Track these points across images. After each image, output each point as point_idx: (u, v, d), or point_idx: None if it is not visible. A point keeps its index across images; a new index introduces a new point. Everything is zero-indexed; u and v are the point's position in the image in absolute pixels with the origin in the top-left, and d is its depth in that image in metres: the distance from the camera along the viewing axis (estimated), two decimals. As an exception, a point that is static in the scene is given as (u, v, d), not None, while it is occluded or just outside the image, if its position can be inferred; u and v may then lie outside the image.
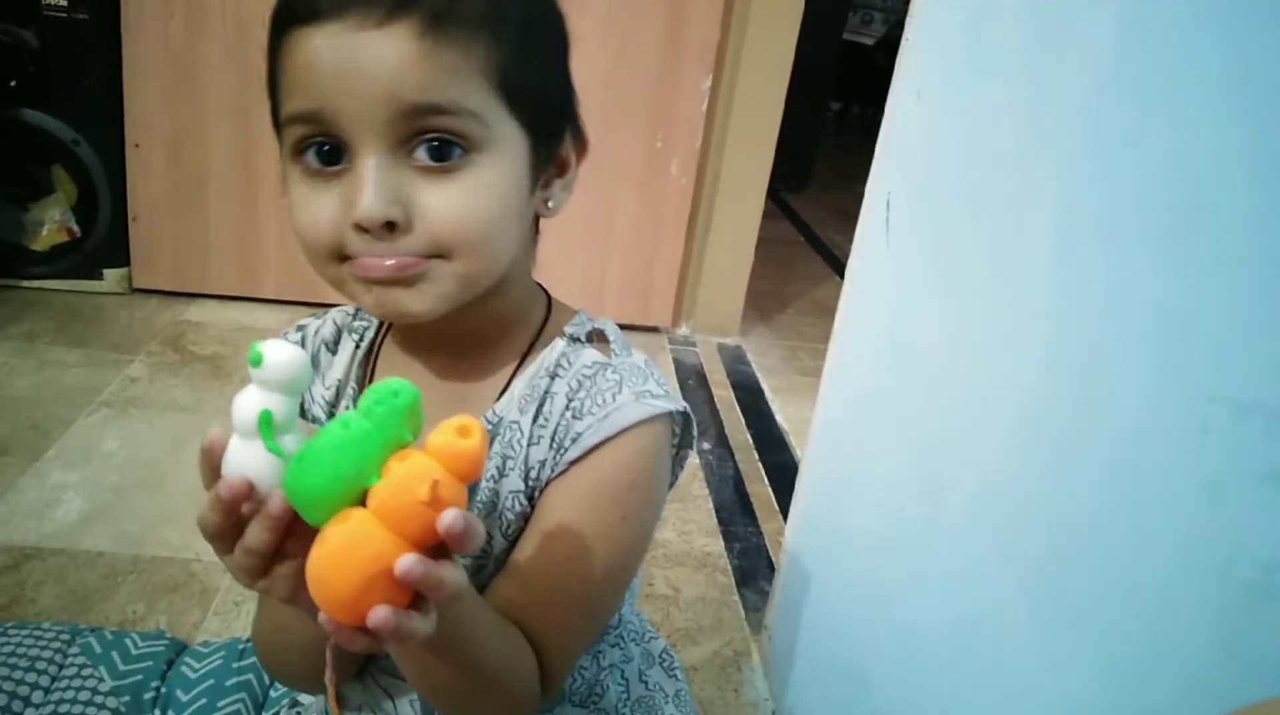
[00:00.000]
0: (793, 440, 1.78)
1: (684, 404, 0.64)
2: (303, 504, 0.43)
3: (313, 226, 0.56)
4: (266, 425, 0.43)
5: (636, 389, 0.62)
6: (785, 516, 1.26)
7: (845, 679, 0.92)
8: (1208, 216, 0.50)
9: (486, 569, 0.64)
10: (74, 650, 0.99)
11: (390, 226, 0.53)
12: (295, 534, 0.45)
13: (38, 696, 0.93)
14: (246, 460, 0.44)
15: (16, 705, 0.91)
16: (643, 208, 2.06)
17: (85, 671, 0.96)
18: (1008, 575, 0.65)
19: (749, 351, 2.17)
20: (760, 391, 1.98)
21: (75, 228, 1.90)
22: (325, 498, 0.42)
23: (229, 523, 0.46)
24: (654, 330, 2.16)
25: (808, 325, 2.35)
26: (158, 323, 1.86)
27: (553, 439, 0.62)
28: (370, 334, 0.69)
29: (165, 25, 1.80)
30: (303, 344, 0.69)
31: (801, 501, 1.11)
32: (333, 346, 0.70)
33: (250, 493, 0.44)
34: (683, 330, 2.20)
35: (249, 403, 0.44)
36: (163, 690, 0.97)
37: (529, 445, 0.62)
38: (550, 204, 0.63)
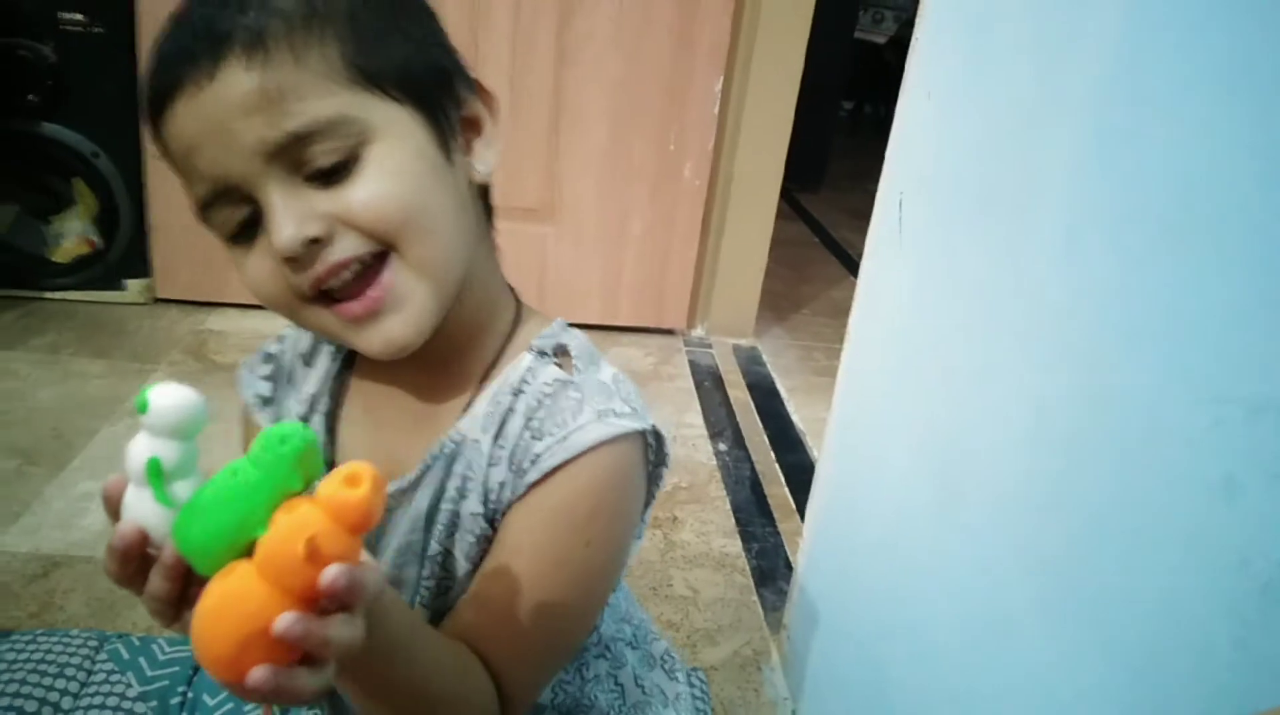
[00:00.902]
0: (809, 440, 1.78)
1: (651, 422, 0.61)
2: (191, 554, 0.41)
3: (262, 286, 0.56)
4: (155, 474, 0.42)
5: (599, 407, 0.59)
6: (802, 516, 1.26)
7: (864, 678, 0.92)
8: (1218, 213, 0.50)
9: (452, 591, 0.63)
10: (102, 656, 1.00)
11: (315, 242, 0.53)
12: (198, 581, 0.43)
13: (67, 703, 0.94)
14: (140, 508, 0.43)
15: (46, 711, 0.92)
16: (656, 210, 2.07)
17: (113, 678, 0.97)
18: (1023, 574, 0.65)
19: (764, 352, 2.17)
20: (776, 392, 1.99)
21: (96, 239, 1.93)
22: (210, 549, 0.41)
23: (128, 571, 0.45)
24: (669, 332, 2.17)
25: (822, 325, 2.35)
26: (179, 332, 1.88)
27: (511, 460, 0.60)
28: (345, 349, 0.67)
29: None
30: (282, 357, 0.69)
31: (818, 501, 1.11)
32: (309, 359, 0.69)
33: (144, 542, 0.43)
34: (698, 332, 2.21)
35: (138, 450, 0.43)
36: (190, 695, 0.98)
37: (489, 466, 0.60)
38: (480, 167, 0.60)
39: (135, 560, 0.44)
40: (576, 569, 0.60)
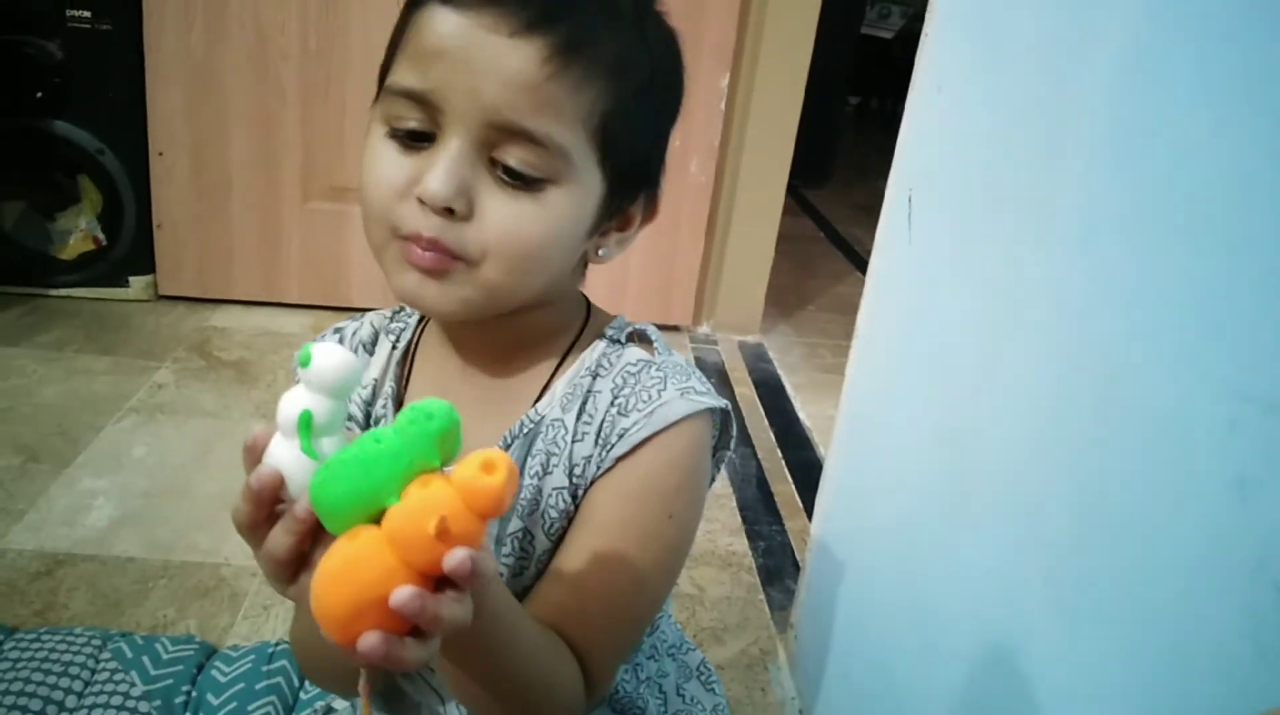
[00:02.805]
0: (816, 437, 1.78)
1: (726, 402, 0.64)
2: (324, 512, 0.42)
3: (379, 185, 0.57)
4: (305, 426, 0.44)
5: (681, 385, 0.62)
6: (809, 515, 1.25)
7: (871, 677, 0.92)
8: (1232, 209, 0.49)
9: (528, 571, 0.64)
10: (106, 655, 1.00)
11: (449, 212, 0.54)
12: (321, 542, 0.45)
13: (71, 701, 0.94)
14: (282, 458, 0.45)
15: (51, 710, 0.92)
16: (662, 206, 2.06)
17: (117, 676, 0.97)
18: (1034, 574, 0.64)
19: (770, 349, 2.17)
20: (782, 389, 1.98)
21: (101, 236, 1.93)
22: (343, 509, 0.41)
23: (259, 515, 0.46)
24: (675, 329, 2.16)
25: (829, 322, 2.34)
26: (183, 329, 1.88)
27: (598, 435, 0.62)
28: (407, 335, 0.69)
29: (186, 35, 1.82)
30: (345, 344, 0.70)
31: (825, 499, 1.10)
32: (370, 347, 0.70)
33: (280, 487, 0.44)
34: (704, 328, 2.20)
35: (293, 401, 0.44)
36: (193, 694, 0.98)
37: (573, 441, 0.62)
38: (600, 252, 0.64)
39: (268, 505, 0.45)
40: (661, 543, 0.62)
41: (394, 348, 0.69)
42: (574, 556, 0.60)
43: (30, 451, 1.42)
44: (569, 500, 0.62)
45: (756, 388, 1.96)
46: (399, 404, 0.67)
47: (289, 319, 1.97)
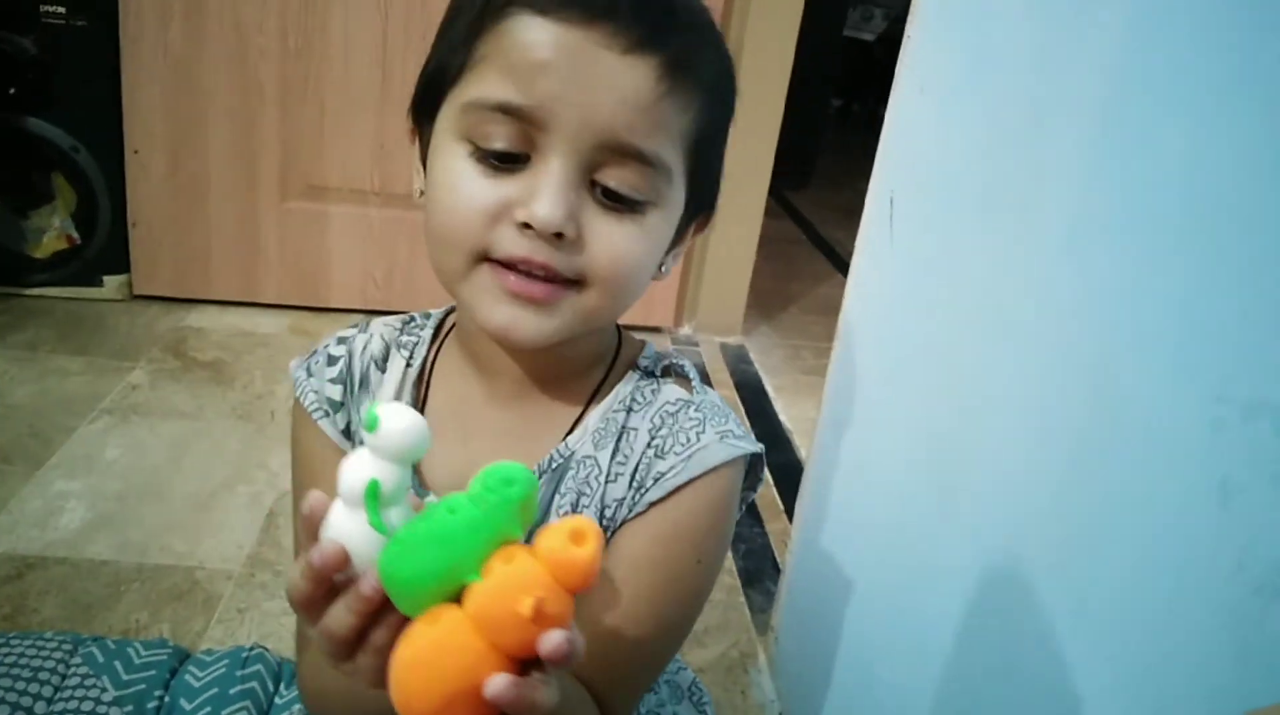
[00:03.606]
0: (796, 440, 1.78)
1: (761, 447, 0.62)
2: (396, 591, 0.39)
3: (466, 212, 0.53)
4: (373, 497, 0.40)
5: (719, 429, 0.60)
6: (790, 516, 1.25)
7: (853, 680, 0.91)
8: (1217, 213, 0.49)
9: None
10: (76, 660, 0.98)
11: (558, 237, 0.52)
12: (385, 622, 0.42)
13: (40, 707, 0.92)
14: (347, 530, 0.41)
15: (20, 716, 0.91)
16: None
17: (88, 681, 0.96)
18: (1017, 576, 0.64)
19: (752, 351, 2.16)
20: (764, 391, 1.98)
21: (75, 235, 1.90)
22: (419, 589, 0.38)
23: (319, 592, 0.42)
24: (656, 330, 2.16)
25: (811, 323, 2.34)
26: (158, 329, 1.86)
27: (633, 477, 0.60)
28: (422, 351, 0.66)
29: (164, 32, 1.79)
30: (349, 360, 0.66)
31: (806, 501, 1.10)
32: (381, 363, 0.66)
33: (345, 564, 0.41)
34: (685, 330, 2.20)
35: (359, 469, 0.41)
36: (166, 699, 0.96)
37: (607, 481, 0.60)
38: (663, 269, 0.61)
39: (329, 582, 0.42)
40: (687, 586, 0.61)
41: (408, 365, 0.66)
42: (601, 599, 0.58)
43: (1, 453, 1.40)
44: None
45: (738, 389, 1.96)
46: None
47: (266, 319, 1.95)
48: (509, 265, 0.53)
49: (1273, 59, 0.47)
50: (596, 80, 0.51)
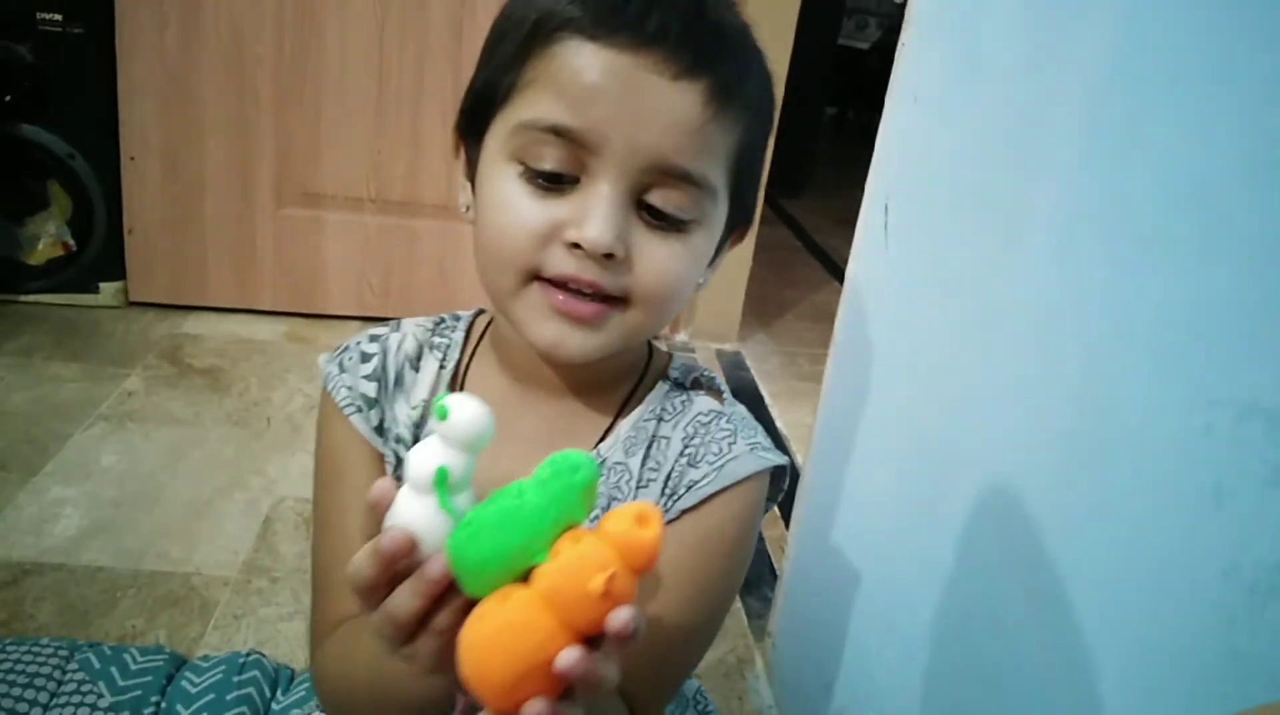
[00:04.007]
0: (793, 446, 1.78)
1: (788, 458, 0.64)
2: (464, 573, 0.40)
3: (517, 232, 0.54)
4: (442, 483, 0.42)
5: (750, 441, 0.62)
6: (787, 523, 1.25)
7: (849, 685, 0.91)
8: (1206, 218, 0.50)
9: None
10: (73, 666, 0.98)
11: (607, 257, 0.53)
12: (445, 604, 0.42)
13: (36, 713, 0.92)
14: (415, 515, 0.42)
15: (16, 723, 0.90)
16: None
17: (85, 687, 0.95)
18: (1012, 581, 0.65)
19: (748, 357, 2.17)
20: (760, 397, 1.98)
21: (71, 242, 1.90)
22: (489, 570, 0.40)
23: (384, 578, 0.43)
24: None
25: (806, 330, 2.35)
26: (154, 336, 1.86)
27: (665, 484, 0.61)
28: (455, 353, 0.67)
29: (160, 39, 1.80)
30: (384, 358, 0.66)
31: (803, 507, 1.10)
32: (415, 363, 0.67)
33: (413, 549, 0.42)
34: (681, 336, 2.20)
35: (428, 456, 0.42)
36: (163, 705, 0.96)
37: (638, 487, 0.62)
38: (700, 281, 0.62)
39: (394, 567, 0.43)
40: (715, 595, 0.62)
41: (441, 367, 0.66)
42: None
43: (-3, 459, 1.40)
44: None
45: (734, 396, 1.96)
46: None
47: (262, 326, 1.95)
48: (558, 283, 0.55)
49: (1258, 67, 0.47)
50: (646, 106, 0.52)
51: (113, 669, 0.98)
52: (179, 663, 1.03)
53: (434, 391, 0.65)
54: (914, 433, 0.84)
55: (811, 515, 1.07)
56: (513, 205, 0.54)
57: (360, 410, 0.65)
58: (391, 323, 0.69)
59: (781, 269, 2.78)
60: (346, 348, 0.68)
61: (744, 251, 2.14)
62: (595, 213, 0.53)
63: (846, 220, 1.02)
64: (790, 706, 1.08)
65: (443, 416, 0.42)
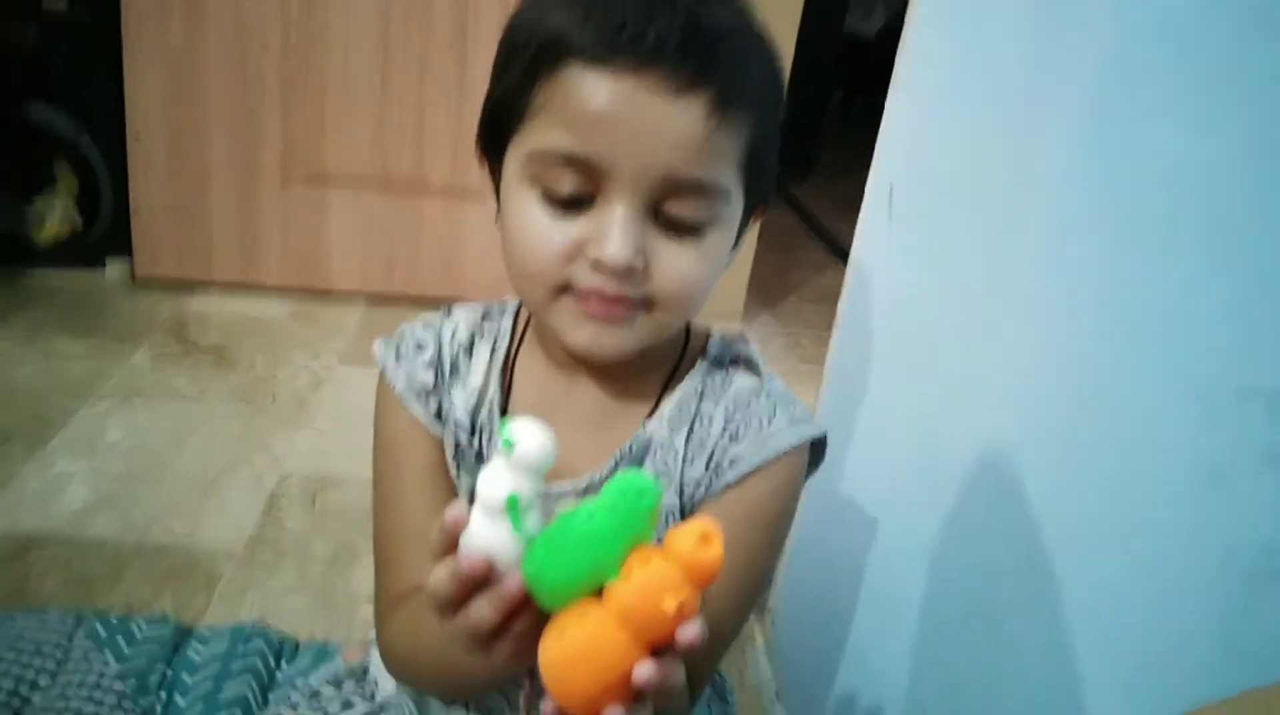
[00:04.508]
0: (795, 429, 1.78)
1: (826, 429, 0.66)
2: (542, 590, 0.44)
3: (543, 253, 0.57)
4: (514, 509, 0.45)
5: (790, 414, 0.64)
6: (787, 504, 1.26)
7: (850, 663, 0.92)
8: (1208, 205, 0.50)
9: None
10: (79, 636, 0.99)
11: (628, 272, 0.56)
12: (523, 614, 0.46)
13: (44, 681, 0.93)
14: (489, 538, 0.45)
15: (24, 689, 0.92)
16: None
17: (91, 656, 0.97)
18: (1012, 561, 0.65)
19: (752, 338, 2.16)
20: (762, 380, 1.98)
21: (78, 220, 1.91)
22: (564, 587, 0.43)
23: (464, 595, 0.46)
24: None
25: (811, 312, 2.34)
26: (160, 313, 1.87)
27: (709, 460, 0.64)
28: (504, 341, 0.69)
29: (165, 20, 1.79)
30: (439, 346, 0.69)
31: (806, 487, 1.10)
32: (469, 350, 0.69)
33: (490, 572, 0.45)
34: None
35: (498, 483, 0.45)
36: (169, 674, 0.97)
37: (685, 464, 0.64)
38: (726, 263, 0.64)
39: (472, 586, 0.46)
40: (759, 566, 0.64)
41: (492, 353, 0.69)
42: None
43: (4, 433, 1.41)
44: (678, 521, 0.63)
45: (736, 379, 1.96)
46: (503, 412, 0.68)
47: (268, 304, 1.96)
48: (593, 294, 0.57)
49: (1258, 57, 0.47)
50: (652, 126, 0.54)
51: (119, 639, 0.99)
52: (184, 633, 1.04)
53: (486, 378, 0.68)
54: (916, 414, 0.84)
55: (814, 495, 1.07)
56: (536, 228, 0.57)
57: (420, 397, 0.67)
58: (442, 309, 0.71)
59: (786, 252, 2.78)
60: (402, 335, 0.70)
61: (749, 234, 2.13)
62: (611, 232, 0.55)
63: (851, 204, 1.02)
64: (790, 681, 1.09)
65: (509, 447, 0.45)
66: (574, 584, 0.43)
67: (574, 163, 0.55)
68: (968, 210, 0.77)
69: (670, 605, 0.41)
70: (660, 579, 0.42)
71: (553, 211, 0.57)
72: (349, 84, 1.88)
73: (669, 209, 0.56)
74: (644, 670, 0.42)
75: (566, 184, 0.56)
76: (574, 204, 0.56)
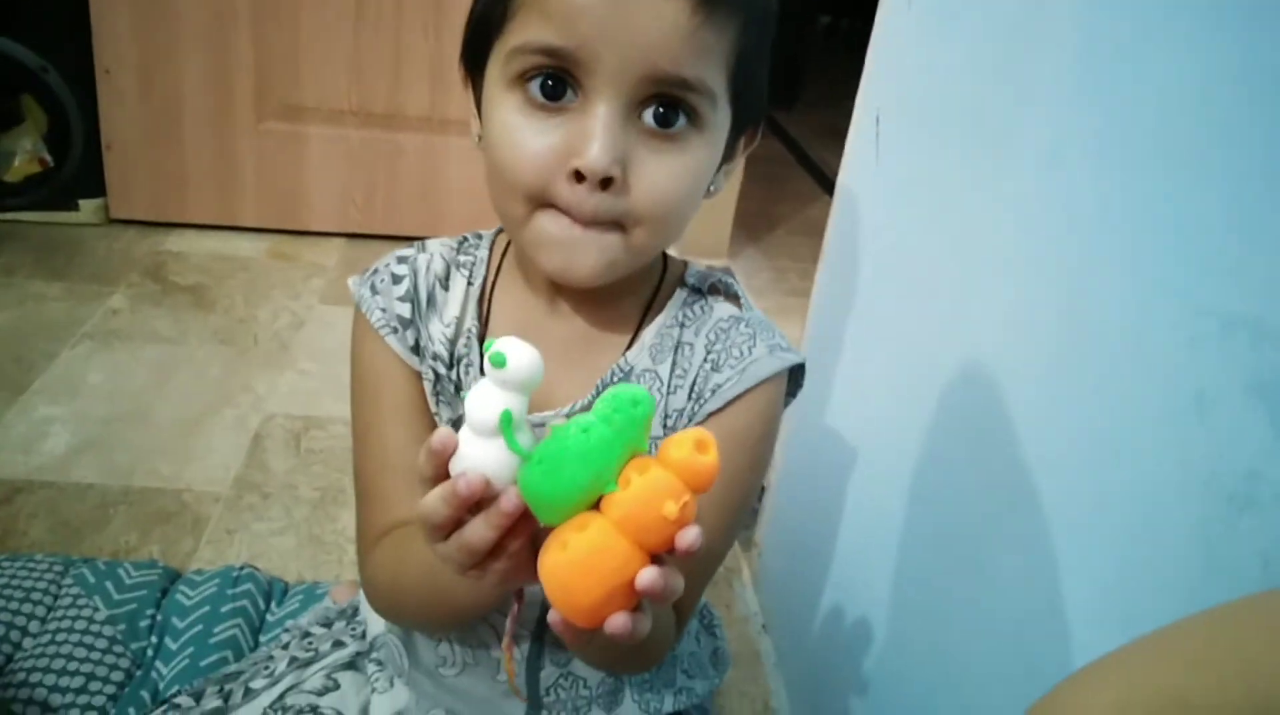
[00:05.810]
0: (781, 361, 1.78)
1: (804, 356, 0.66)
2: (541, 505, 0.44)
3: (524, 160, 0.55)
4: (508, 425, 0.44)
5: (769, 342, 0.64)
6: (774, 437, 1.26)
7: (834, 593, 0.93)
8: (1197, 133, 0.49)
9: None
10: (68, 581, 0.99)
11: (607, 182, 0.54)
12: (518, 532, 0.46)
13: (34, 626, 0.94)
14: (483, 458, 0.45)
15: (14, 635, 0.92)
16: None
17: (80, 601, 0.97)
18: (996, 489, 0.65)
19: (738, 273, 2.16)
20: (749, 313, 1.98)
21: (47, 157, 1.86)
22: (565, 501, 0.43)
23: (456, 517, 0.46)
24: (641, 253, 2.14)
25: (797, 245, 2.33)
26: (137, 253, 1.84)
27: (691, 389, 0.64)
28: (481, 270, 0.69)
29: (129, -57, 1.73)
30: (414, 278, 0.68)
31: (790, 420, 1.11)
32: (444, 282, 0.69)
33: (487, 490, 0.45)
34: (670, 252, 2.18)
35: (489, 402, 0.45)
36: (158, 618, 0.98)
37: (668, 393, 0.64)
38: (712, 188, 0.62)
39: (468, 506, 0.46)
40: (743, 492, 0.65)
41: (469, 284, 0.68)
42: None
43: (-17, 379, 1.40)
44: None
45: (722, 312, 1.96)
46: (481, 341, 0.67)
47: (245, 243, 1.93)
48: (564, 211, 0.56)
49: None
50: (634, 16, 0.52)
51: (108, 583, 0.99)
52: (173, 577, 1.05)
53: (464, 308, 0.67)
54: (901, 346, 0.84)
55: (798, 427, 1.08)
56: (517, 132, 0.56)
57: (396, 331, 0.66)
58: (416, 244, 0.70)
59: (772, 183, 2.75)
60: (376, 270, 0.69)
61: (736, 166, 2.11)
62: (593, 136, 0.53)
63: (839, 132, 1.00)
64: (775, 613, 1.11)
65: (500, 364, 0.44)
66: (574, 496, 0.43)
67: (554, 54, 0.53)
68: (958, 136, 0.76)
69: (671, 510, 0.42)
70: (660, 485, 0.42)
71: (533, 114, 0.55)
72: (322, 12, 1.83)
73: (652, 110, 0.55)
74: (647, 575, 0.42)
75: (539, 79, 0.54)
76: (555, 99, 0.54)
